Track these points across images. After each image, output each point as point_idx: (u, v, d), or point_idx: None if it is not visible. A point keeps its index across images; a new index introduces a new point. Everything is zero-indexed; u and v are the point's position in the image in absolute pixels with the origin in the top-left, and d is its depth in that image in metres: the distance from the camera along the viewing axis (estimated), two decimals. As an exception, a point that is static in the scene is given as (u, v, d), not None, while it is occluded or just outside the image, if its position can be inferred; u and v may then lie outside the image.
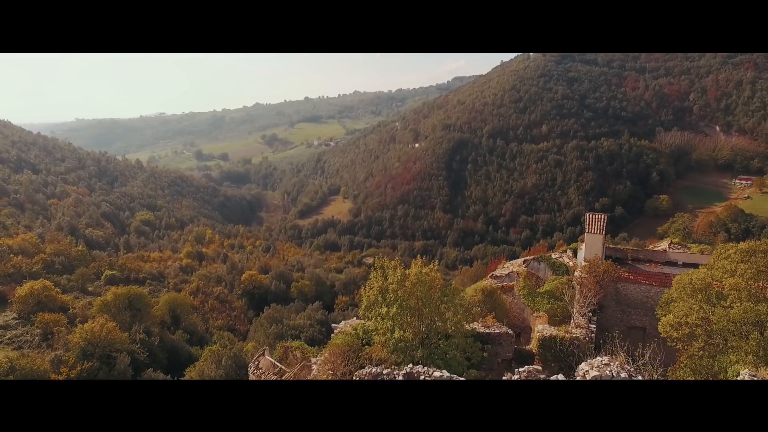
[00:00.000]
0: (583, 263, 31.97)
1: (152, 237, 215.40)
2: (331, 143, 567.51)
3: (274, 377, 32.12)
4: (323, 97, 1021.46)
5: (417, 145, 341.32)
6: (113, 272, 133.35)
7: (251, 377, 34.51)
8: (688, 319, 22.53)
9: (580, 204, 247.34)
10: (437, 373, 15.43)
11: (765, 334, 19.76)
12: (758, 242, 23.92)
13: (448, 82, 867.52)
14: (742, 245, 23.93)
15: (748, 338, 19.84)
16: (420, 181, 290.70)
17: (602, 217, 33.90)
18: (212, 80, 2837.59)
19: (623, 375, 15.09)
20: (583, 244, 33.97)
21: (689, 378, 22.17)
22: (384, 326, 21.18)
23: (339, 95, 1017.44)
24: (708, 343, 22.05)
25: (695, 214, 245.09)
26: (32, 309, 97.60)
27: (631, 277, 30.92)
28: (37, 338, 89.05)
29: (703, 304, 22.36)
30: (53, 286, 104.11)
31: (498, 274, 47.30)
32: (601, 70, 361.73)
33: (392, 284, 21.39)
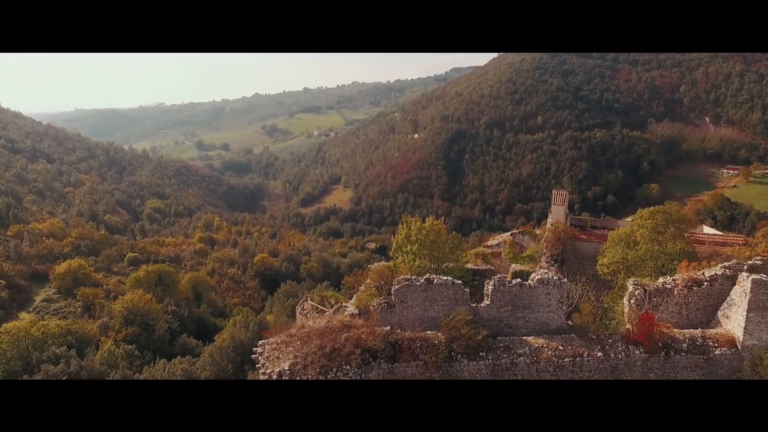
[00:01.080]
0: (549, 226, 42.61)
1: (164, 224, 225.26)
2: (331, 133, 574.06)
3: (317, 315, 42.48)
4: (322, 87, 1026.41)
5: (416, 135, 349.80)
6: (135, 254, 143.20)
7: (298, 316, 44.84)
8: (614, 259, 33.11)
9: (573, 192, 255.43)
10: (444, 278, 25.93)
11: (657, 263, 30.26)
12: (659, 206, 34.48)
13: (446, 72, 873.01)
14: (652, 209, 34.53)
15: (646, 267, 30.42)
16: (419, 171, 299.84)
17: (564, 193, 44.77)
18: (211, 70, 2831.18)
19: (555, 278, 25.54)
20: (551, 214, 44.73)
21: (618, 299, 32.54)
22: (409, 258, 31.84)
23: (338, 86, 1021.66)
24: (626, 275, 32.57)
25: (684, 202, 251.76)
26: (70, 285, 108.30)
27: (584, 237, 41.58)
28: (79, 309, 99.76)
29: (624, 248, 32.91)
30: (87, 265, 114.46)
31: (489, 244, 57.81)
32: (595, 63, 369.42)
33: (414, 231, 32.14)
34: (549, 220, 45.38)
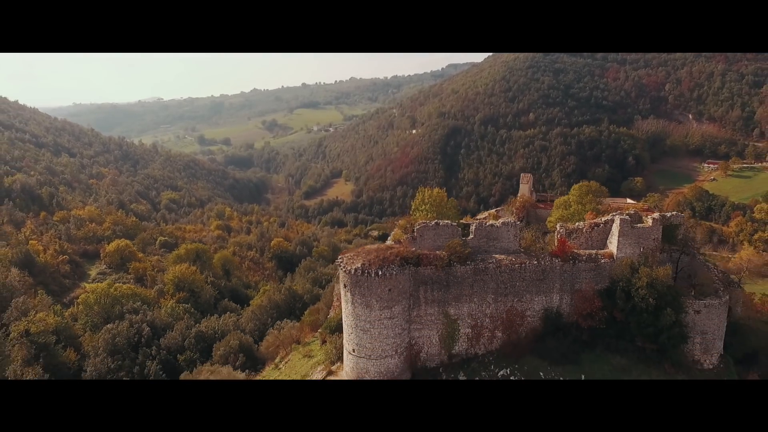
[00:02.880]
0: (518, 198, 60.65)
1: (180, 213, 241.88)
2: (330, 129, 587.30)
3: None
4: (320, 83, 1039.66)
5: (414, 131, 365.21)
6: (165, 238, 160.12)
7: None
8: (556, 217, 50.85)
9: (563, 185, 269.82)
10: (446, 221, 43.47)
11: (580, 217, 48.00)
12: (584, 182, 52.31)
13: (442, 69, 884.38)
14: (580, 184, 52.45)
15: (574, 220, 48.21)
16: (417, 165, 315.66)
17: (528, 176, 62.88)
18: (208, 65, 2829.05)
19: (512, 221, 43.08)
20: (520, 190, 62.70)
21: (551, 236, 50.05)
22: (423, 215, 49.66)
23: (335, 81, 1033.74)
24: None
25: (666, 195, 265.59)
26: (118, 261, 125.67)
27: (542, 206, 59.58)
28: (131, 280, 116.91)
29: (563, 210, 50.67)
30: (132, 245, 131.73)
31: (478, 217, 75.39)
32: (585, 62, 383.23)
33: (426, 197, 50.06)
34: (519, 194, 63.43)
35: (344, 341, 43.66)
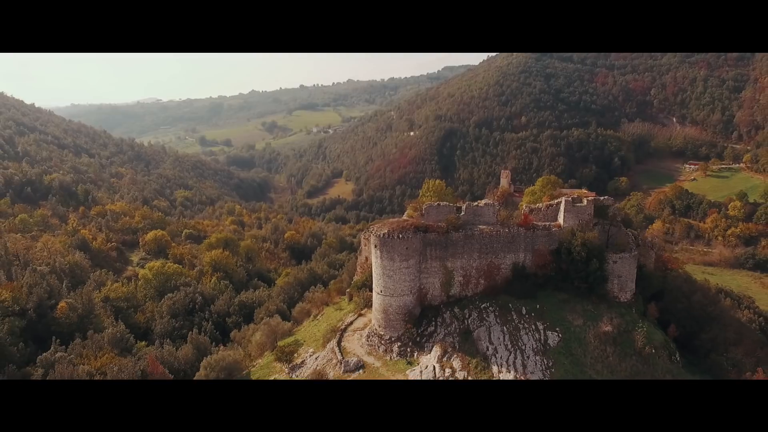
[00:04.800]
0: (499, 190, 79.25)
1: (194, 210, 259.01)
2: (329, 130, 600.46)
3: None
4: (318, 85, 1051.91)
5: (412, 133, 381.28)
6: (189, 231, 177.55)
7: (363, 240, 79.95)
8: (526, 202, 69.18)
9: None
10: (445, 203, 61.64)
11: (541, 201, 66.36)
12: (546, 176, 70.53)
13: (438, 71, 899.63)
14: (543, 177, 70.73)
15: (539, 202, 66.69)
16: (415, 165, 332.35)
17: (507, 172, 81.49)
18: (204, 65, 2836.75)
19: (490, 202, 61.28)
20: (501, 183, 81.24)
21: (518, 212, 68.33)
22: (429, 198, 67.98)
23: (333, 83, 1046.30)
24: (531, 208, 68.65)
25: (649, 194, 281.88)
26: (155, 249, 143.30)
27: (517, 195, 78.15)
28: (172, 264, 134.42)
29: (531, 196, 69.04)
30: (167, 234, 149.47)
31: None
32: (575, 67, 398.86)
33: (431, 186, 68.53)
34: (500, 186, 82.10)
35: (374, 286, 61.78)
